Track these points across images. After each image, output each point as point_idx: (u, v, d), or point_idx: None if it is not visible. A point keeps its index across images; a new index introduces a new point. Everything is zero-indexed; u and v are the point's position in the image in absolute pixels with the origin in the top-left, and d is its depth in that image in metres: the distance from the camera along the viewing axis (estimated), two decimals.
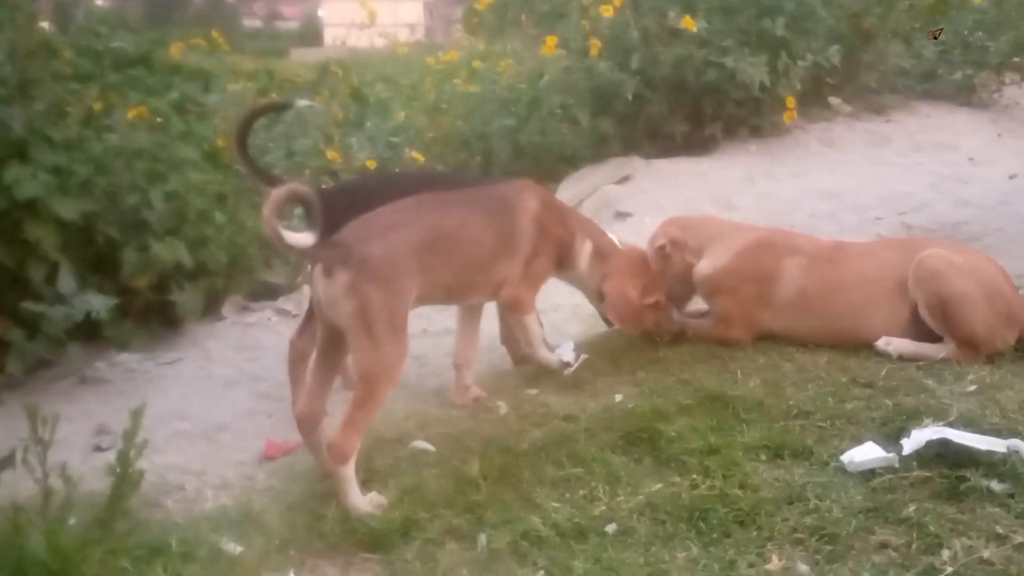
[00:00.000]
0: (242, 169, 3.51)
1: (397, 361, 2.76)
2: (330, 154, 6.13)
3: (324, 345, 2.85)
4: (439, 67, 8.06)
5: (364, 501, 2.71)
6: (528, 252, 3.21)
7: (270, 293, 5.11)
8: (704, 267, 3.68)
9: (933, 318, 3.38)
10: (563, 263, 3.40)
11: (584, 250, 3.43)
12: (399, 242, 2.83)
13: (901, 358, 3.37)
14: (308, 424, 2.88)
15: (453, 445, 3.04)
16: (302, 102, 3.88)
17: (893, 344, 3.42)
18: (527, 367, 3.61)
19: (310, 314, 3.31)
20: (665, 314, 3.59)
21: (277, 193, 2.59)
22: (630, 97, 6.91)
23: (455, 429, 3.17)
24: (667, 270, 3.68)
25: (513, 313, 3.33)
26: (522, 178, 3.43)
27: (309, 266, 3.01)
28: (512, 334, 3.60)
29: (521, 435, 3.04)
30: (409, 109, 7.68)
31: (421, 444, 3.07)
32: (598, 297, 3.54)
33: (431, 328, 4.32)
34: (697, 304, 3.88)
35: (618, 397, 3.26)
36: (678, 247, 3.72)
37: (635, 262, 3.54)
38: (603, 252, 3.47)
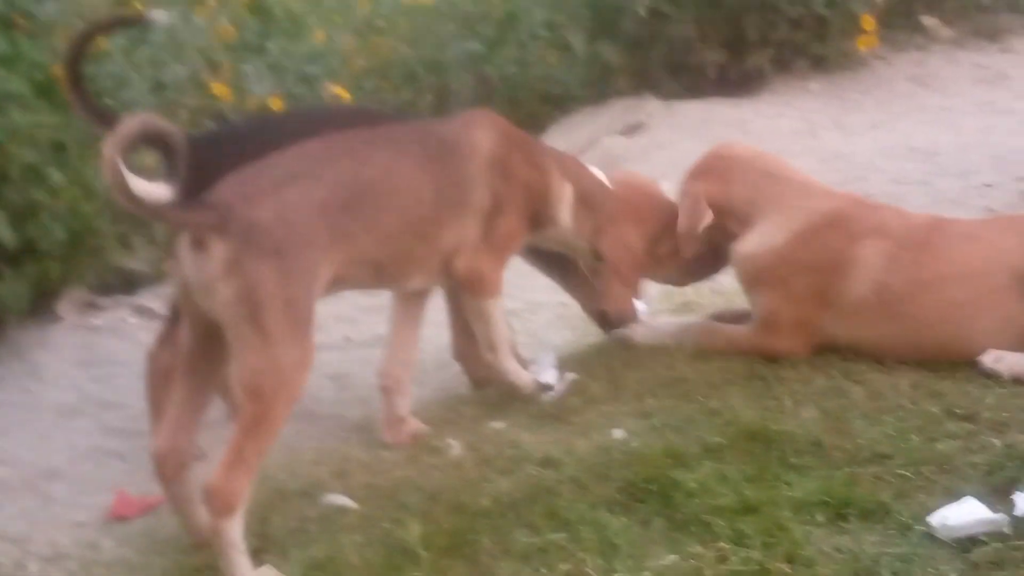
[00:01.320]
0: (76, 108, 3.49)
1: (298, 367, 2.76)
2: (216, 88, 6.11)
3: (194, 350, 2.85)
4: None
5: None
6: (486, 206, 3.25)
7: (127, 284, 5.10)
8: (748, 246, 3.67)
9: None
10: (539, 219, 3.43)
11: (563, 197, 3.46)
12: (300, 199, 2.84)
13: (1017, 380, 3.39)
14: (170, 466, 2.86)
15: (383, 501, 3.03)
16: (159, 15, 3.82)
17: (1005, 360, 3.44)
18: (490, 390, 3.62)
19: (176, 315, 3.29)
20: (681, 263, 3.76)
21: (126, 126, 2.60)
22: (643, 13, 6.93)
23: (386, 478, 3.17)
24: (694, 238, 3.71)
25: (470, 294, 3.34)
26: (473, 109, 3.45)
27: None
28: (469, 346, 3.60)
29: (480, 487, 3.04)
30: (332, 27, 7.66)
31: (338, 499, 3.08)
32: (593, 258, 3.62)
33: (356, 335, 4.32)
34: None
35: (617, 433, 3.26)
36: (721, 215, 3.70)
37: (635, 202, 3.64)
38: (590, 196, 3.52)
